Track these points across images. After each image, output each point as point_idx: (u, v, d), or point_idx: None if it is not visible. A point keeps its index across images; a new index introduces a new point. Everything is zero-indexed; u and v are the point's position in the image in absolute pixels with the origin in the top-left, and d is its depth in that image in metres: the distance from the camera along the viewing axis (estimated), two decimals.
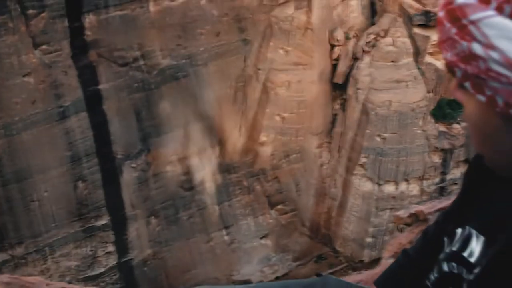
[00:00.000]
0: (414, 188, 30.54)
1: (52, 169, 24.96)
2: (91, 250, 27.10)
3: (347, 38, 32.25)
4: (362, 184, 30.47)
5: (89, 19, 24.03)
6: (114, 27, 24.56)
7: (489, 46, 1.13)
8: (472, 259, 1.55)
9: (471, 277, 1.52)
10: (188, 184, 29.28)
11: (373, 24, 32.07)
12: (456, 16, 1.17)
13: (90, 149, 25.68)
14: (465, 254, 1.58)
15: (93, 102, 25.37)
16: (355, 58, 31.65)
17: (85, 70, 24.72)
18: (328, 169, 32.25)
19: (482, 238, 1.56)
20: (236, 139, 30.01)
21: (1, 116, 23.19)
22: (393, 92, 29.90)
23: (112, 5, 24.09)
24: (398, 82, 29.97)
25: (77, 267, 26.07)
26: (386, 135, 29.84)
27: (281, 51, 29.54)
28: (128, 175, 27.24)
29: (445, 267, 1.67)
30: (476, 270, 1.50)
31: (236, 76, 28.79)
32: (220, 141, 29.67)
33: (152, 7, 25.20)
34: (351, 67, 31.59)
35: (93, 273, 27.20)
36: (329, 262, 31.50)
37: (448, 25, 1.21)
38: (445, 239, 1.71)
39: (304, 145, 31.17)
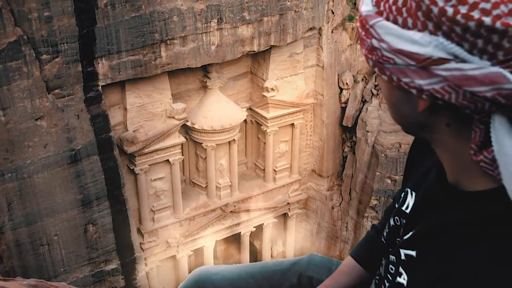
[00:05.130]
0: None
1: (62, 212, 24.86)
2: None
3: (356, 81, 32.59)
4: None
5: (102, 64, 24.42)
6: None
7: (381, 40, 1.62)
8: (407, 210, 2.04)
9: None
10: None
11: None
12: (363, 23, 1.68)
13: (101, 193, 25.65)
14: (403, 208, 2.07)
15: (105, 146, 25.49)
16: (364, 101, 31.89)
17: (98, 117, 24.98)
18: (339, 211, 32.03)
19: (414, 194, 2.05)
20: None
21: (13, 159, 23.25)
22: (402, 134, 29.95)
23: (124, 50, 24.51)
24: None
25: None
26: (396, 177, 29.73)
27: None
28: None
29: (392, 221, 2.16)
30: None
31: None
32: None
33: (163, 52, 25.63)
34: (360, 110, 31.80)
35: None
36: None
37: (360, 30, 1.71)
38: (396, 204, 2.19)
39: None
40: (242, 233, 32.55)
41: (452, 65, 1.51)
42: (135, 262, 28.20)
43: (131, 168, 27.60)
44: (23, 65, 22.48)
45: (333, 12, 30.57)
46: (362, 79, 32.47)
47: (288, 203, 33.13)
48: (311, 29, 29.51)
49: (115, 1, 23.48)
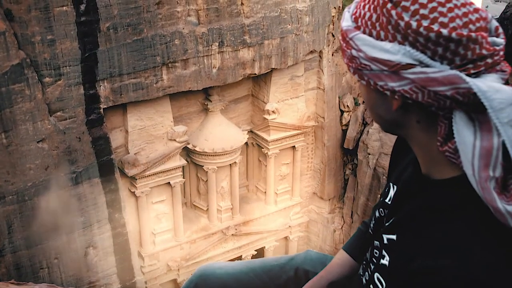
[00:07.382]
0: None
1: (63, 235, 24.76)
2: None
3: (356, 104, 32.70)
4: None
5: (103, 87, 24.56)
6: None
7: (359, 50, 1.91)
8: (389, 202, 2.27)
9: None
10: None
11: None
12: (344, 36, 1.97)
13: (102, 215, 25.55)
14: (386, 200, 2.30)
15: (106, 168, 25.49)
16: (365, 124, 31.95)
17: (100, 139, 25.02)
18: (341, 234, 31.84)
19: (395, 187, 2.29)
20: None
21: (14, 182, 23.24)
22: None
23: (126, 73, 24.67)
24: None
25: None
26: None
27: None
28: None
29: (377, 213, 2.38)
30: None
31: None
32: None
33: (165, 75, 25.79)
34: (361, 133, 31.84)
35: None
36: None
37: (342, 42, 1.99)
38: (382, 199, 2.39)
39: None
40: (243, 257, 32.33)
41: (418, 69, 1.81)
42: (136, 286, 27.98)
43: (132, 190, 27.55)
44: (25, 88, 22.63)
45: (333, 35, 30.85)
46: (363, 102, 32.59)
47: (289, 226, 32.98)
48: (311, 52, 29.73)
49: (117, 25, 23.72)
